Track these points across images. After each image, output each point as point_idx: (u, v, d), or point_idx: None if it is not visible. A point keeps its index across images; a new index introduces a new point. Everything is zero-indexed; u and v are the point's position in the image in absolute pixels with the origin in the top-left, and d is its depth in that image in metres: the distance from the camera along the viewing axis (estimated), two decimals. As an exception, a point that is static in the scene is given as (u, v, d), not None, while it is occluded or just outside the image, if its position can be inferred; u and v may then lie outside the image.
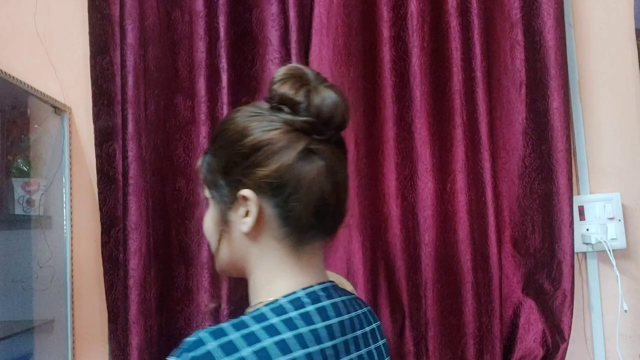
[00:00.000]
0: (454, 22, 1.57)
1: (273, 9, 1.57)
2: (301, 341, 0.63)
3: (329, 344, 0.65)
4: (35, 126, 1.61)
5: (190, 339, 0.62)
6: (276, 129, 0.68)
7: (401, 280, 1.56)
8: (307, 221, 0.69)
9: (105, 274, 1.56)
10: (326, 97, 0.69)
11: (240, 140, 0.70)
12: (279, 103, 0.70)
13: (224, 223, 0.74)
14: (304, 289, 0.69)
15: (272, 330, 0.63)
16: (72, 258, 1.59)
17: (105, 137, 1.59)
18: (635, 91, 1.67)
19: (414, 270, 1.57)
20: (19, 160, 1.57)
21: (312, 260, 0.72)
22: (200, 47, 1.56)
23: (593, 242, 1.60)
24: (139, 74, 1.52)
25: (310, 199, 0.68)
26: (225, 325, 0.63)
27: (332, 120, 0.69)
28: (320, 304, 0.68)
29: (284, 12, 1.57)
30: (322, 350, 0.64)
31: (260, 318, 0.64)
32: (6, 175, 1.55)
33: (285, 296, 0.67)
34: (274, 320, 0.64)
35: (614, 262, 1.59)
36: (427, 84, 1.56)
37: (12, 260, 1.53)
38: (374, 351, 0.74)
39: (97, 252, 1.57)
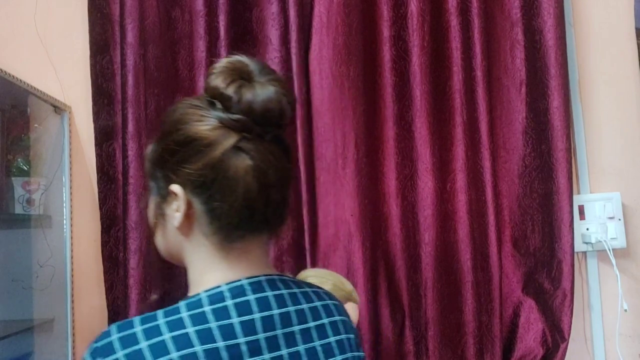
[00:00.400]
0: (454, 22, 1.56)
1: (273, 8, 1.57)
2: (203, 336, 0.62)
3: (244, 339, 0.64)
4: (35, 125, 1.61)
5: (105, 329, 0.64)
6: (206, 124, 0.67)
7: (401, 279, 1.56)
8: (233, 220, 0.68)
9: (105, 273, 1.56)
10: (260, 93, 0.66)
11: (172, 133, 0.69)
12: (211, 97, 0.68)
13: (160, 215, 0.73)
14: (228, 283, 0.67)
15: (175, 325, 0.63)
16: (72, 257, 1.59)
17: (105, 137, 1.59)
18: (635, 91, 1.67)
19: (414, 270, 1.57)
20: (19, 160, 1.57)
21: (245, 255, 0.71)
22: (201, 46, 1.56)
23: (593, 241, 1.60)
24: (139, 73, 1.52)
25: (234, 198, 0.66)
26: (136, 318, 0.64)
27: (266, 118, 0.66)
28: (241, 299, 0.66)
29: (284, 11, 1.57)
30: (233, 346, 0.63)
31: (171, 312, 0.64)
32: (6, 174, 1.55)
33: (206, 290, 0.67)
34: (184, 314, 0.64)
35: (613, 261, 1.59)
36: (427, 83, 1.56)
37: (12, 259, 1.53)
38: (319, 348, 0.70)
39: (97, 251, 1.57)
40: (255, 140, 0.67)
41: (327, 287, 1.29)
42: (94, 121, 1.59)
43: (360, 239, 1.54)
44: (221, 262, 0.70)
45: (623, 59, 1.67)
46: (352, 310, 1.31)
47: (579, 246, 1.62)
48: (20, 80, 1.46)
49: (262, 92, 0.66)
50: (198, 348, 0.61)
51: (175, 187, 0.68)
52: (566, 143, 1.55)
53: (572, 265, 1.54)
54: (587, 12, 1.69)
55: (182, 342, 0.61)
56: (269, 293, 0.69)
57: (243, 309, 0.66)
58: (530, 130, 1.59)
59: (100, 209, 1.56)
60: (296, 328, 0.69)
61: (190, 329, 0.62)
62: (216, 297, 0.66)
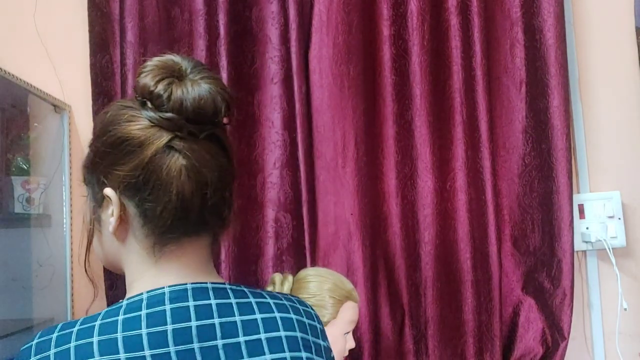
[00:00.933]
0: (454, 21, 1.56)
1: (273, 7, 1.57)
2: (105, 346, 0.60)
3: (150, 352, 0.60)
4: (35, 124, 1.61)
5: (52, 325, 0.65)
6: (136, 124, 0.65)
7: (401, 278, 1.56)
8: (165, 222, 0.65)
9: (105, 272, 1.56)
10: (191, 90, 0.63)
11: (102, 135, 0.67)
12: (141, 96, 0.65)
13: (96, 222, 0.71)
14: (150, 291, 0.64)
15: (85, 333, 0.61)
16: (71, 256, 1.59)
17: (105, 136, 1.59)
18: (635, 90, 1.67)
19: (413, 269, 1.57)
20: (18, 159, 1.57)
21: (178, 260, 0.67)
22: (200, 45, 1.56)
23: (593, 240, 1.60)
24: (138, 72, 1.52)
25: (168, 199, 0.64)
26: (63, 323, 0.64)
27: (199, 115, 0.64)
28: (156, 309, 0.63)
29: (284, 10, 1.57)
30: (136, 358, 0.59)
31: (89, 320, 0.63)
32: (6, 173, 1.55)
33: (128, 298, 0.64)
34: (97, 322, 0.62)
35: (613, 260, 1.59)
36: (427, 83, 1.56)
37: (11, 258, 1.53)
38: None
39: (97, 250, 1.57)
40: (189, 139, 0.65)
41: (327, 285, 1.29)
42: (94, 120, 1.59)
43: (360, 238, 1.54)
44: (151, 268, 0.67)
45: (623, 58, 1.67)
46: (352, 309, 1.31)
47: (578, 245, 1.61)
48: (20, 79, 1.46)
49: (194, 90, 0.64)
50: (96, 359, 0.59)
51: (108, 191, 0.66)
52: (566, 142, 1.55)
53: (572, 264, 1.54)
54: (587, 11, 1.69)
55: (84, 351, 0.60)
56: (190, 303, 0.64)
57: (155, 319, 0.62)
58: (530, 129, 1.59)
59: (100, 208, 1.56)
60: (220, 342, 0.63)
61: (95, 339, 0.60)
62: (133, 306, 0.63)
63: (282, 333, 0.67)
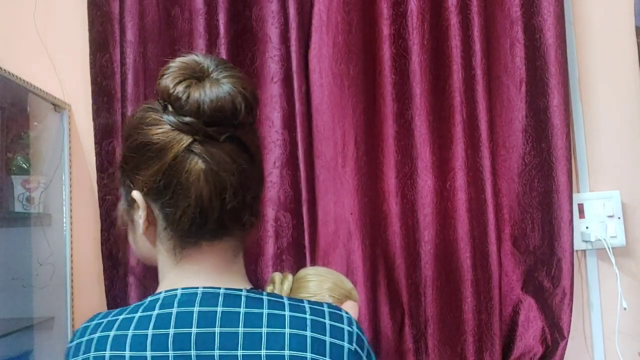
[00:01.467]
0: (454, 20, 1.56)
1: (273, 6, 1.57)
2: (116, 342, 0.62)
3: (151, 353, 0.61)
4: (35, 123, 1.61)
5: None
6: (158, 128, 0.64)
7: (401, 277, 1.56)
8: (184, 226, 0.65)
9: (105, 271, 1.56)
10: (209, 92, 0.62)
11: (127, 139, 0.68)
12: (162, 99, 0.65)
13: (130, 222, 0.72)
14: (167, 291, 0.66)
15: (108, 326, 0.64)
16: (72, 255, 1.59)
17: (104, 135, 1.59)
18: (635, 89, 1.67)
19: (413, 268, 1.57)
20: (18, 158, 1.57)
21: (197, 263, 0.68)
22: (200, 44, 1.56)
23: (593, 240, 1.60)
24: (138, 71, 1.52)
25: (187, 204, 0.64)
26: (106, 312, 0.68)
27: (217, 118, 0.63)
28: (165, 310, 0.64)
29: (284, 9, 1.57)
30: (139, 358, 0.61)
31: (119, 312, 0.66)
32: (6, 172, 1.55)
33: (152, 295, 0.67)
34: (119, 317, 0.65)
35: (613, 260, 1.59)
36: (427, 82, 1.56)
37: (12, 257, 1.53)
38: None
39: (97, 249, 1.58)
40: (208, 142, 0.64)
41: (326, 285, 1.29)
42: (94, 119, 1.59)
43: (360, 237, 1.54)
44: (173, 268, 0.68)
45: (623, 57, 1.67)
46: (352, 308, 1.31)
47: (578, 244, 1.62)
48: (20, 78, 1.46)
49: (212, 91, 0.63)
50: (107, 352, 0.62)
51: (135, 194, 0.67)
52: (566, 141, 1.55)
53: (572, 264, 1.54)
54: (587, 11, 1.69)
55: (101, 344, 0.62)
56: (195, 309, 0.64)
57: (161, 321, 0.63)
58: (530, 128, 1.59)
59: (100, 207, 1.56)
60: (217, 352, 0.62)
61: (112, 333, 0.63)
62: (151, 304, 0.65)
63: (287, 352, 0.63)
